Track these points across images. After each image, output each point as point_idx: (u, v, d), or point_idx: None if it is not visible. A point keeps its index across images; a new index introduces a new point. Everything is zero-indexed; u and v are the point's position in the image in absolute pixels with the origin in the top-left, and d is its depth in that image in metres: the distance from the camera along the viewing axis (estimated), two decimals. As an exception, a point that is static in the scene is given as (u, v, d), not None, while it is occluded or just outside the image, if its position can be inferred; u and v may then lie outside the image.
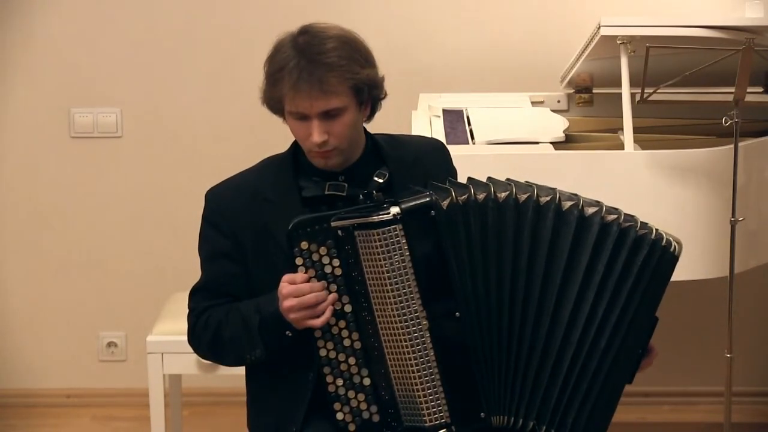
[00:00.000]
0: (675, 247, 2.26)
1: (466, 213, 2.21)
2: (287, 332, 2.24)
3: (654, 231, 2.24)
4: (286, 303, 2.20)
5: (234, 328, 2.30)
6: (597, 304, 2.22)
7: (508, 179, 2.28)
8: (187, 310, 2.40)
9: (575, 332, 2.22)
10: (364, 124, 2.36)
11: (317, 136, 2.22)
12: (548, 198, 2.22)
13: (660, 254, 2.24)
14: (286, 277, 2.22)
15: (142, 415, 3.79)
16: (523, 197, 2.22)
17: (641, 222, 2.24)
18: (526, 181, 2.28)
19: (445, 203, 2.21)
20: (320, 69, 2.18)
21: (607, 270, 2.22)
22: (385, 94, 2.32)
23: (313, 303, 2.19)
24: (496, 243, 2.22)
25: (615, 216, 2.22)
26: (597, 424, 2.27)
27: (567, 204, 2.22)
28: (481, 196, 2.22)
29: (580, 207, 2.22)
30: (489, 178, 2.27)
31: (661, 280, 2.28)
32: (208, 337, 2.34)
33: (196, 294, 2.39)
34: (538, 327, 2.23)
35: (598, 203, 2.24)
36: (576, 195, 2.25)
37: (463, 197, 2.21)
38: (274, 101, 2.25)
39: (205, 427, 3.99)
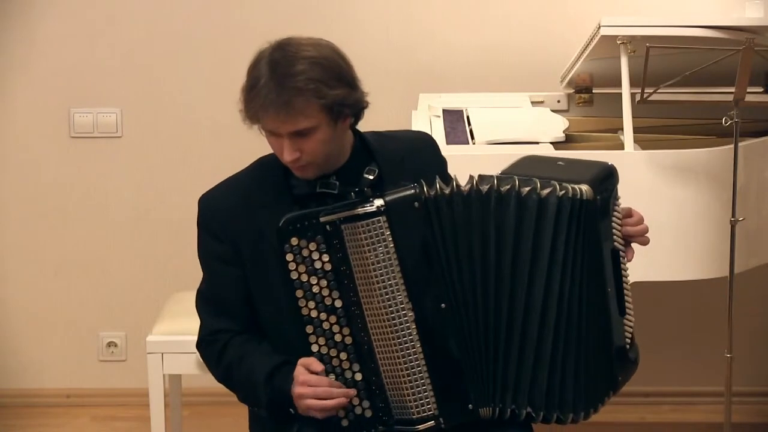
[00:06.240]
0: (582, 192, 2.23)
1: (438, 207, 2.24)
2: (291, 409, 2.27)
3: (569, 189, 2.23)
4: (299, 389, 2.23)
5: (243, 383, 2.34)
6: (563, 279, 2.23)
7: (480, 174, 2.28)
8: (196, 315, 2.42)
9: (550, 312, 2.23)
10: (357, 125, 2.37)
11: (287, 155, 2.24)
12: (508, 186, 2.24)
13: (582, 206, 2.23)
14: (303, 361, 2.24)
15: (142, 415, 3.79)
16: (485, 188, 2.24)
17: (547, 182, 2.25)
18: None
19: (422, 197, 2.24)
20: (286, 92, 2.18)
21: (566, 244, 2.23)
22: (367, 104, 2.30)
23: (325, 396, 2.22)
24: (466, 235, 2.24)
25: (564, 191, 2.22)
26: (595, 373, 2.27)
27: (525, 189, 2.23)
28: (447, 190, 2.24)
29: (537, 190, 2.23)
30: (480, 176, 2.28)
31: (594, 224, 2.26)
32: (220, 373, 2.38)
33: (200, 300, 2.41)
34: (513, 314, 2.24)
35: (551, 184, 2.23)
36: (531, 179, 2.25)
37: (432, 192, 2.24)
38: (249, 115, 2.25)
39: (205, 427, 3.99)
